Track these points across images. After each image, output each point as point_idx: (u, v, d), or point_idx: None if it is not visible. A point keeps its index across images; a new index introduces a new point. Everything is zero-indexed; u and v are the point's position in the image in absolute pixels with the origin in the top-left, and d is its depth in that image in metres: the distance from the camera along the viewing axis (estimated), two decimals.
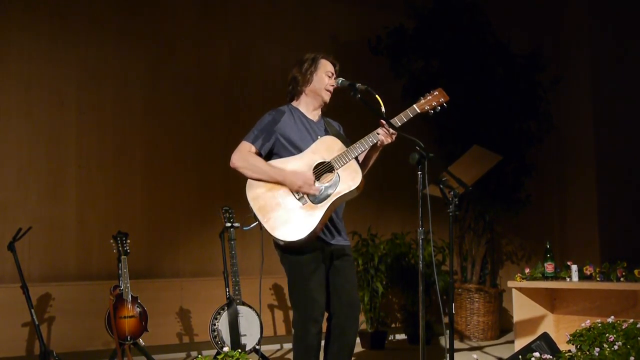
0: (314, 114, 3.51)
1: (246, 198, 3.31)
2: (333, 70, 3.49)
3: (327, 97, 3.47)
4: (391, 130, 3.29)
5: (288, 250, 3.31)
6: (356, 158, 3.33)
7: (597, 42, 7.47)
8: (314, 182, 3.26)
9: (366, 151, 3.39)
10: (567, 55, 7.64)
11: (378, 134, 3.30)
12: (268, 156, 3.41)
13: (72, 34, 5.95)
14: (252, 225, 3.33)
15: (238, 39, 6.66)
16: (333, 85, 3.46)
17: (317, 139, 3.40)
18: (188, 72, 6.41)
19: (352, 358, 5.63)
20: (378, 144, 3.33)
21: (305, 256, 3.31)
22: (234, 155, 3.37)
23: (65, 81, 5.90)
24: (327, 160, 3.30)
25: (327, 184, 3.27)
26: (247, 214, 3.33)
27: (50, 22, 5.88)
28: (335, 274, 3.40)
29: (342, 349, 3.40)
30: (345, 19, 7.16)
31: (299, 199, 3.25)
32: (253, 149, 3.37)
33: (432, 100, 3.37)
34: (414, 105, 3.36)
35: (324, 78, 3.45)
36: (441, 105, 3.38)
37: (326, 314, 3.42)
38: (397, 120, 3.30)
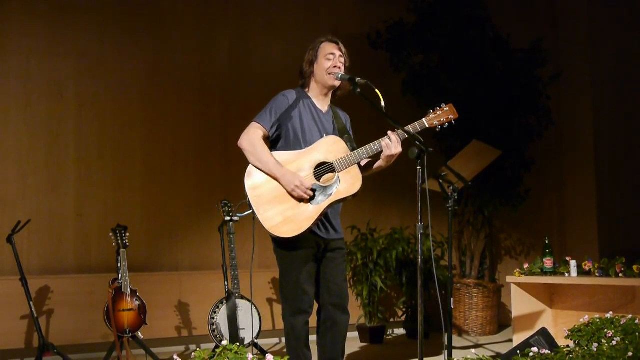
0: (323, 103, 3.50)
1: (244, 187, 3.30)
2: (334, 50, 3.45)
3: (331, 81, 3.42)
4: (396, 145, 3.26)
5: (281, 242, 3.32)
6: (358, 163, 3.32)
7: (597, 37, 7.45)
8: (311, 187, 3.23)
9: (369, 157, 3.36)
10: (567, 50, 7.62)
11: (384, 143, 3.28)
12: (274, 140, 3.43)
13: (71, 26, 5.93)
14: (245, 213, 3.33)
15: (238, 33, 6.64)
16: (337, 66, 3.41)
17: (324, 132, 3.41)
18: (187, 66, 6.39)
19: (352, 353, 5.66)
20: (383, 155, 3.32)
21: (297, 249, 3.32)
22: (244, 135, 3.37)
23: (65, 74, 5.88)
24: (330, 161, 3.29)
25: (326, 185, 3.26)
26: (246, 208, 3.31)
27: (49, 15, 5.86)
28: (326, 266, 3.42)
29: (335, 340, 3.41)
30: (345, 13, 7.13)
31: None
32: (263, 131, 3.37)
33: (441, 116, 3.35)
34: (423, 120, 3.33)
35: (324, 63, 3.42)
36: (450, 122, 3.35)
37: (316, 305, 3.43)
38: (403, 132, 3.26)
